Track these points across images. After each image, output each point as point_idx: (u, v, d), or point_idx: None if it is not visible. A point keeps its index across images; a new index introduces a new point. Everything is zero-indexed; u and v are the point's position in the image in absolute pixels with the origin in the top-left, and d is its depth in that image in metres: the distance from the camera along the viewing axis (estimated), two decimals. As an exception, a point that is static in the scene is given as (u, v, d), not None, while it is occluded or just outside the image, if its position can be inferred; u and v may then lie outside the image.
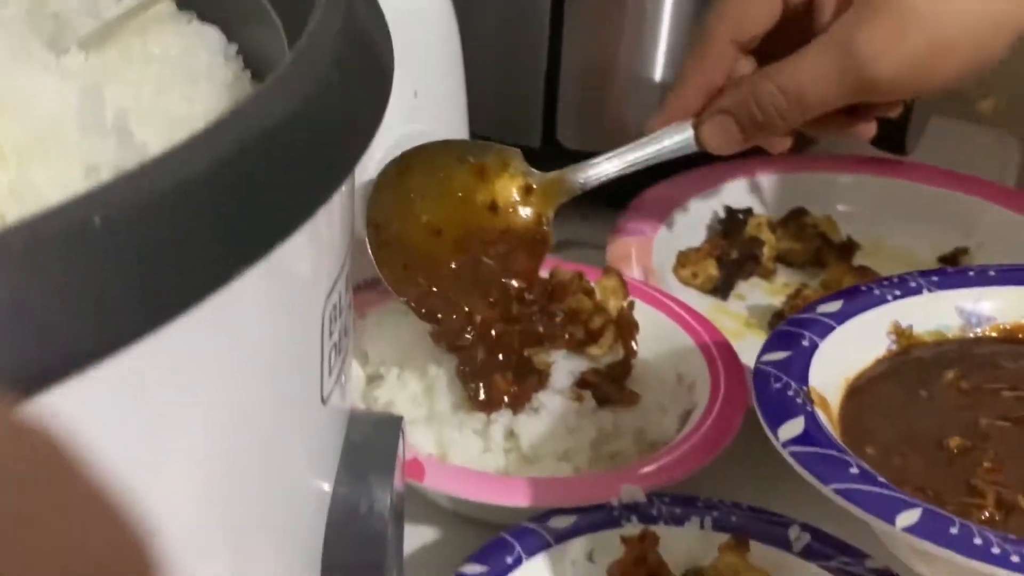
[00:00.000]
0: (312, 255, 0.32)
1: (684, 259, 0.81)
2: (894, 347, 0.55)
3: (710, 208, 0.86)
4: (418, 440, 0.59)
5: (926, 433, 0.50)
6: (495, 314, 0.63)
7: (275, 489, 0.36)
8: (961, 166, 0.90)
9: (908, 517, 0.41)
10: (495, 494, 0.56)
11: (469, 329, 0.61)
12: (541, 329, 0.62)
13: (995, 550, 0.40)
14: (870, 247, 0.85)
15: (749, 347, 0.72)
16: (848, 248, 0.84)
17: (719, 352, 0.67)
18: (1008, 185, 0.92)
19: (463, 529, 0.61)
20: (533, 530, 0.55)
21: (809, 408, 0.48)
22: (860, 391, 0.52)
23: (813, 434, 0.46)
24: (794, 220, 0.85)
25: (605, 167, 0.66)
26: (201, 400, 0.28)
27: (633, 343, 0.65)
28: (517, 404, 0.61)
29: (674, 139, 0.67)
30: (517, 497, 0.56)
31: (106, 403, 0.24)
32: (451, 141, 0.65)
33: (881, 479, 0.44)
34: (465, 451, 0.59)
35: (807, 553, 0.55)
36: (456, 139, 0.66)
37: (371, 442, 0.40)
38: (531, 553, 0.54)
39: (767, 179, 0.88)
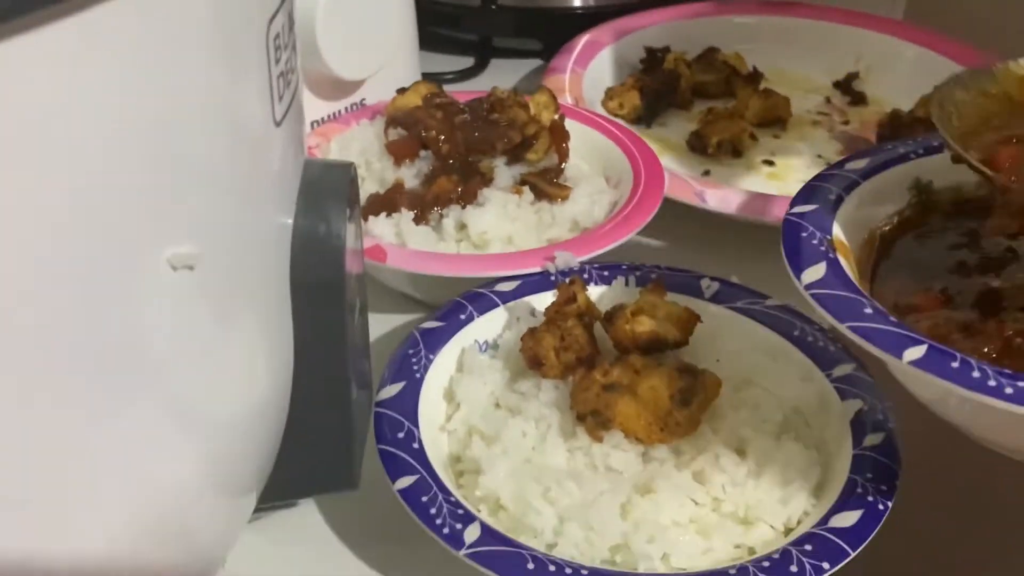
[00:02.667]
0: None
1: (611, 92, 0.82)
2: (914, 201, 0.53)
3: (632, 50, 0.87)
4: (380, 232, 0.61)
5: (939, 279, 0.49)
6: (441, 127, 0.64)
7: (245, 216, 0.37)
8: (853, 6, 0.91)
9: (914, 352, 0.41)
10: (447, 267, 0.57)
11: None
12: (478, 135, 0.63)
13: (991, 383, 0.39)
14: (773, 76, 0.86)
15: (669, 163, 0.74)
16: (754, 77, 0.85)
17: (640, 154, 0.68)
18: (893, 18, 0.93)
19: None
20: (483, 294, 0.56)
21: (831, 255, 0.47)
22: (881, 241, 0.52)
23: (832, 278, 0.46)
24: (706, 56, 0.86)
25: None
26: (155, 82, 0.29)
27: (565, 146, 0.67)
28: (465, 199, 0.62)
29: None
30: (466, 268, 0.57)
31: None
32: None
33: (892, 319, 0.43)
34: (422, 241, 0.61)
35: (716, 298, 0.57)
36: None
37: (325, 178, 0.41)
38: (482, 312, 0.56)
39: (680, 24, 0.89)
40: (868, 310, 0.44)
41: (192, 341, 0.36)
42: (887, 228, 0.53)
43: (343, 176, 0.42)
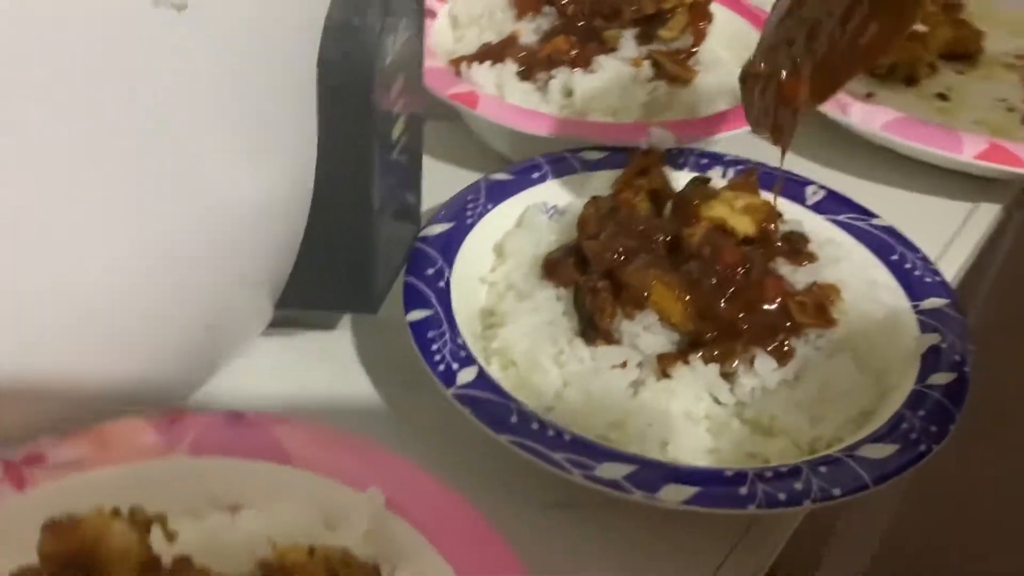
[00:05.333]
0: None
1: (787, -3, 0.76)
2: None
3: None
4: (480, 80, 0.59)
5: None
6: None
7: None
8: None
9: None
10: (534, 124, 0.55)
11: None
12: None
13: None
14: (979, 10, 0.78)
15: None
16: (952, 5, 0.77)
17: (786, 53, 0.63)
18: None
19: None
20: (565, 157, 0.54)
21: None
22: None
23: None
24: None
25: None
26: None
27: (703, 28, 0.62)
28: (578, 63, 0.59)
29: None
30: (554, 128, 0.55)
31: None
32: None
33: None
34: (522, 98, 0.58)
35: (818, 206, 0.52)
36: None
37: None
38: (558, 175, 0.53)
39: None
40: None
41: (201, 100, 0.35)
42: None
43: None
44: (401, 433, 0.46)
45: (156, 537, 0.33)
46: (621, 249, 0.44)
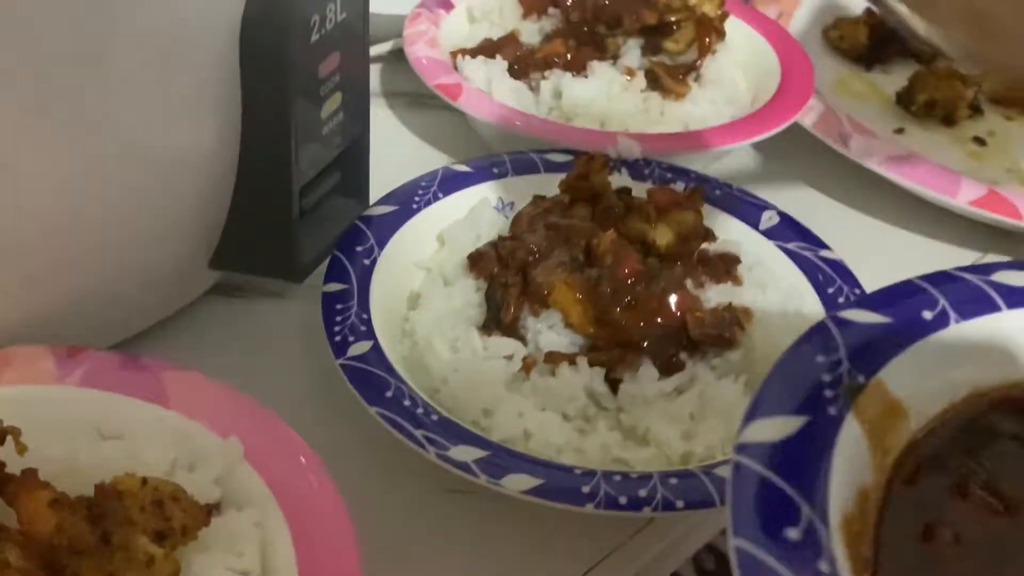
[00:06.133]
0: None
1: (839, 23, 0.77)
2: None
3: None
4: (470, 74, 0.62)
5: None
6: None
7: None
8: None
9: None
10: (498, 116, 0.58)
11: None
12: (609, 3, 0.62)
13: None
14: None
15: (864, 111, 0.69)
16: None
17: (800, 80, 0.64)
18: None
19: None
20: (529, 156, 0.56)
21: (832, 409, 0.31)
22: None
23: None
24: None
25: None
26: None
27: (708, 43, 0.64)
28: (571, 66, 0.61)
29: None
30: (525, 126, 0.57)
31: None
32: None
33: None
34: (510, 96, 0.61)
35: (770, 232, 0.53)
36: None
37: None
38: (519, 172, 0.56)
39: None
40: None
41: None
42: None
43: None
44: (318, 411, 0.49)
45: (9, 450, 0.37)
46: (533, 247, 0.47)
